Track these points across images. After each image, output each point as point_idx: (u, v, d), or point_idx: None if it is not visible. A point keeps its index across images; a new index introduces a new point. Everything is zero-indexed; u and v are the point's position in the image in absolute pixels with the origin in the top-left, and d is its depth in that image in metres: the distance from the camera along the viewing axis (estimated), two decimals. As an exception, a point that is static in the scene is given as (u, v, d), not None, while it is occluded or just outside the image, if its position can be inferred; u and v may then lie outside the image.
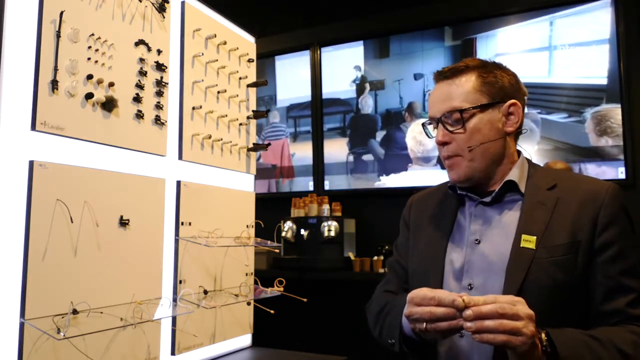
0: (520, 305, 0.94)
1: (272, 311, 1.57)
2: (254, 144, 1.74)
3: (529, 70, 3.18)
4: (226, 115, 1.60)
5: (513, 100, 1.19)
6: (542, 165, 2.73)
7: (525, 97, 1.24)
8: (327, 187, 3.75)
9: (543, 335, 0.96)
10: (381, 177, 3.58)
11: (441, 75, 1.21)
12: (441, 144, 1.19)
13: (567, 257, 1.07)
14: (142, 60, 1.30)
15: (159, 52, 1.35)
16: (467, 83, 1.17)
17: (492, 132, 1.17)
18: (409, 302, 1.03)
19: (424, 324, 0.97)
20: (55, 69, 1.08)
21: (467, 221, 1.21)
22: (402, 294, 1.23)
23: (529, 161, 1.25)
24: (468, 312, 0.93)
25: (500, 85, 1.18)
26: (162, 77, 1.36)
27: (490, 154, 1.18)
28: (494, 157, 1.18)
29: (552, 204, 1.13)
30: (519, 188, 1.17)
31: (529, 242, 1.09)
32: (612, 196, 1.11)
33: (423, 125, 1.29)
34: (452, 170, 1.19)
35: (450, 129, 1.17)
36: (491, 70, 1.19)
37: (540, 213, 1.12)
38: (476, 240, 1.17)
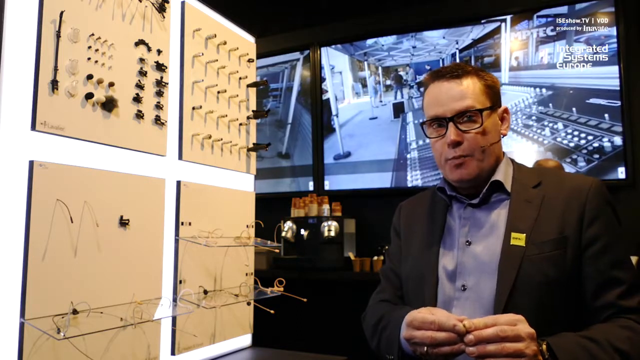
0: (520, 325, 0.95)
1: (272, 311, 1.57)
2: (254, 144, 1.74)
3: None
4: (226, 115, 1.60)
5: (505, 107, 1.23)
6: (533, 163, 2.74)
7: None
8: (327, 187, 3.75)
9: (544, 346, 0.97)
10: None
11: (446, 74, 1.19)
12: (454, 143, 1.16)
13: (557, 252, 1.08)
14: (142, 60, 1.30)
15: (159, 52, 1.35)
16: (475, 85, 1.18)
17: (496, 134, 1.20)
18: (407, 325, 1.03)
19: (425, 347, 0.98)
20: (55, 69, 1.08)
21: (457, 223, 1.22)
22: (399, 307, 1.24)
23: (512, 160, 1.27)
24: (470, 337, 0.94)
25: (496, 90, 1.21)
26: (162, 77, 1.36)
27: (495, 154, 1.20)
28: (496, 158, 1.21)
29: (539, 201, 1.15)
30: (505, 188, 1.18)
31: (518, 239, 1.11)
32: (596, 191, 1.12)
33: (422, 124, 1.27)
34: (460, 168, 1.17)
35: (464, 128, 1.16)
36: (487, 74, 1.22)
37: (528, 210, 1.14)
38: (467, 241, 1.18)
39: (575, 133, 3.03)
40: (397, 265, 1.33)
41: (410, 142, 3.51)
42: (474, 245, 1.17)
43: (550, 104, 3.11)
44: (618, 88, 2.94)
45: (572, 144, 3.02)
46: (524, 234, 1.10)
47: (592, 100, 3.01)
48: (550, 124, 3.10)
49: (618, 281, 1.07)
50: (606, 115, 2.97)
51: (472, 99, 1.16)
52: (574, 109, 3.05)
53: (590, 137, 2.99)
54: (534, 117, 3.14)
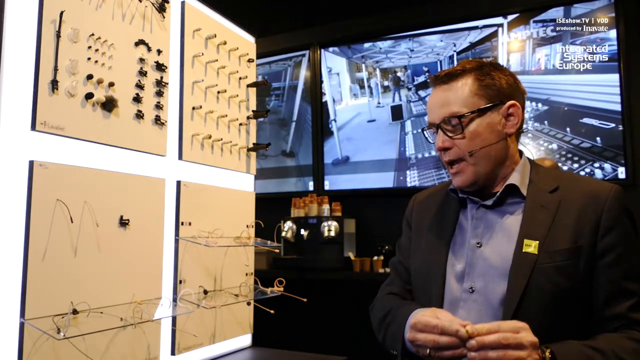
0: (523, 333, 0.95)
1: (272, 311, 1.57)
2: (254, 143, 1.74)
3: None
4: (226, 115, 1.60)
5: (512, 102, 1.17)
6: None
7: (525, 96, 1.23)
8: (327, 187, 3.75)
9: (547, 353, 0.96)
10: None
11: (438, 80, 1.20)
12: (442, 149, 1.18)
13: (569, 262, 1.07)
14: (142, 60, 1.30)
15: (159, 52, 1.36)
16: (464, 87, 1.16)
17: (492, 135, 1.16)
18: (411, 327, 1.04)
19: (428, 350, 1.00)
20: (55, 69, 1.08)
21: (469, 224, 1.20)
22: (406, 303, 1.24)
23: (531, 162, 1.24)
24: (472, 343, 0.94)
25: (498, 87, 1.17)
26: (162, 77, 1.36)
27: (493, 157, 1.17)
28: (497, 160, 1.17)
29: (554, 207, 1.12)
30: (521, 191, 1.16)
31: (531, 247, 1.09)
32: (614, 199, 1.10)
33: (423, 130, 1.28)
34: (457, 176, 1.18)
35: (450, 134, 1.16)
36: (488, 72, 1.17)
37: (542, 217, 1.11)
38: (478, 243, 1.16)
39: (569, 156, 3.03)
40: (407, 259, 1.32)
41: (409, 156, 3.48)
42: (484, 247, 1.15)
43: (546, 122, 3.10)
44: (610, 100, 2.93)
45: (565, 167, 3.02)
46: (537, 242, 1.09)
47: (586, 120, 3.00)
48: (546, 144, 3.09)
49: (630, 293, 1.06)
50: (598, 139, 2.97)
51: (457, 104, 1.15)
52: (568, 128, 3.04)
53: (582, 162, 2.99)
54: (530, 135, 3.13)
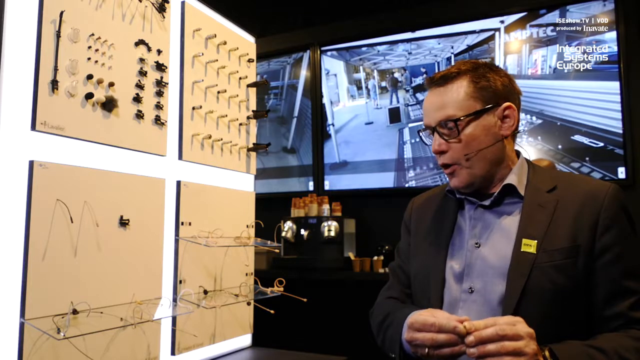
0: (520, 325, 0.95)
1: (272, 311, 1.57)
2: (254, 144, 1.74)
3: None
4: (226, 115, 1.60)
5: (508, 103, 1.17)
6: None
7: (520, 96, 1.23)
8: (327, 187, 3.74)
9: (547, 352, 0.96)
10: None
11: (433, 82, 1.19)
12: (438, 152, 1.18)
13: (568, 261, 1.06)
14: (142, 60, 1.30)
15: (159, 52, 1.36)
16: (460, 90, 1.15)
17: (488, 138, 1.16)
18: (409, 327, 1.04)
19: (426, 349, 0.99)
20: (55, 69, 1.08)
21: (467, 224, 1.20)
22: (404, 306, 1.23)
23: (528, 162, 1.24)
24: (470, 339, 0.95)
25: (494, 89, 1.16)
26: (162, 77, 1.36)
27: (489, 159, 1.17)
28: (493, 162, 1.17)
29: (552, 206, 1.12)
30: (518, 191, 1.16)
31: (529, 246, 1.09)
32: (612, 197, 1.10)
33: (419, 132, 1.28)
34: (453, 177, 1.19)
35: (446, 138, 1.16)
36: (484, 74, 1.17)
37: (540, 216, 1.11)
38: (476, 243, 1.16)
39: None
40: (406, 262, 1.32)
41: (408, 167, 3.47)
42: (483, 247, 1.15)
43: (539, 137, 3.09)
44: (606, 108, 2.93)
45: None
46: (535, 241, 1.09)
47: (576, 138, 3.00)
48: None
49: (630, 291, 1.06)
50: (587, 158, 2.97)
51: (453, 107, 1.14)
52: (559, 145, 3.04)
53: None
54: (523, 150, 3.13)
